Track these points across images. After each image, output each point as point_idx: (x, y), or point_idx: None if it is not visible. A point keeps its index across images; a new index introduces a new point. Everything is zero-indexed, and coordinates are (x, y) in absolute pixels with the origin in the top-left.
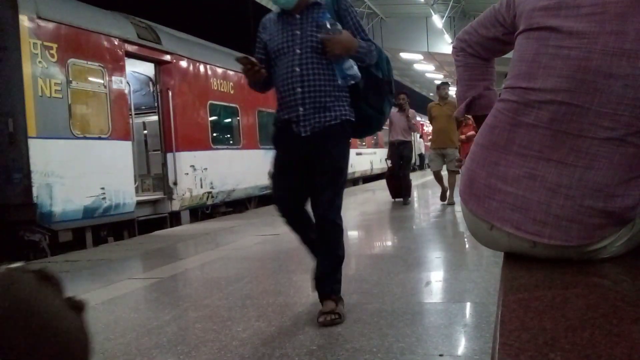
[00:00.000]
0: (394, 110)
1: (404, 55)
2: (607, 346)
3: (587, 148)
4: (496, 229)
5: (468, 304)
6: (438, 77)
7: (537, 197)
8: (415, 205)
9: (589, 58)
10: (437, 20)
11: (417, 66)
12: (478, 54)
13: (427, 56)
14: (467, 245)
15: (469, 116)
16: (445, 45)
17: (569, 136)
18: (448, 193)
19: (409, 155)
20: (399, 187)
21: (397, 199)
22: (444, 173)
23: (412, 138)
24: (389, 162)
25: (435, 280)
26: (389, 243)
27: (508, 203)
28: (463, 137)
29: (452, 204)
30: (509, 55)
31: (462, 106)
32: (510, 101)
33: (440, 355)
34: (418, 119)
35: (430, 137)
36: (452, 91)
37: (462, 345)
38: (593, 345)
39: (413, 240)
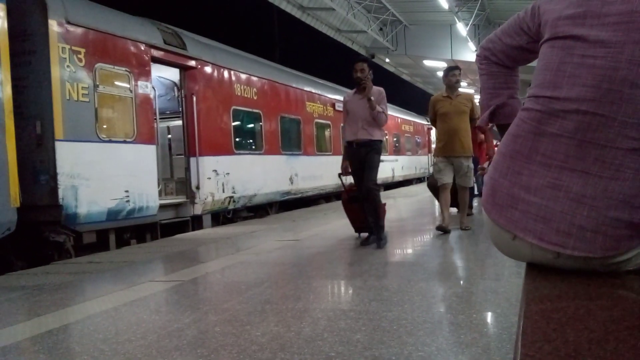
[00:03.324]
0: (350, 92)
1: (428, 63)
2: None
3: (612, 158)
4: (519, 239)
5: (489, 314)
6: (462, 85)
7: (561, 207)
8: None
9: (615, 67)
10: (462, 28)
11: (440, 74)
12: (502, 62)
13: (451, 64)
14: (488, 255)
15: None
16: (469, 53)
17: (593, 146)
18: (459, 214)
19: (376, 162)
20: (363, 213)
21: (362, 234)
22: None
23: (383, 136)
24: (346, 178)
25: (456, 289)
26: (410, 251)
27: (531, 213)
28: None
29: (467, 228)
30: (533, 63)
31: (485, 114)
32: (534, 110)
33: None
34: (390, 112)
35: (435, 142)
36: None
37: (482, 356)
38: (617, 358)
39: (433, 248)
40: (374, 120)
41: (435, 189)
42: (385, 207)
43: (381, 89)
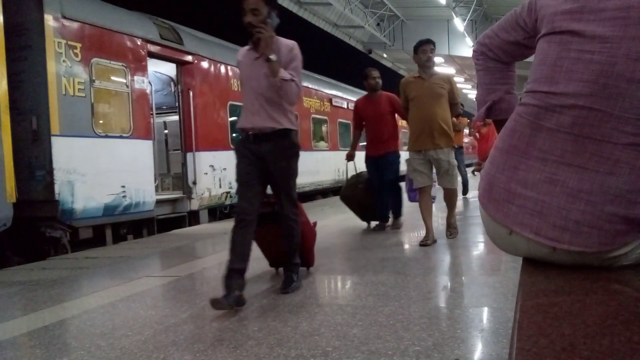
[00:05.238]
0: (244, 49)
1: None
2: (626, 354)
3: (609, 153)
4: (515, 234)
5: (485, 309)
6: (459, 80)
7: (557, 202)
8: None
9: (612, 62)
10: (459, 23)
11: (437, 69)
12: (499, 57)
13: (448, 59)
14: (485, 250)
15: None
16: (466, 49)
17: (590, 141)
18: (447, 220)
19: (294, 172)
20: (269, 243)
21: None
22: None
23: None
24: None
25: (452, 284)
26: (406, 246)
27: (528, 208)
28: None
29: (451, 236)
30: (530, 59)
31: (482, 110)
32: (531, 105)
33: (457, 359)
34: (309, 88)
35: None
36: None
37: (479, 350)
38: (612, 352)
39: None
40: (277, 95)
41: (350, 202)
42: (314, 229)
43: (293, 43)
